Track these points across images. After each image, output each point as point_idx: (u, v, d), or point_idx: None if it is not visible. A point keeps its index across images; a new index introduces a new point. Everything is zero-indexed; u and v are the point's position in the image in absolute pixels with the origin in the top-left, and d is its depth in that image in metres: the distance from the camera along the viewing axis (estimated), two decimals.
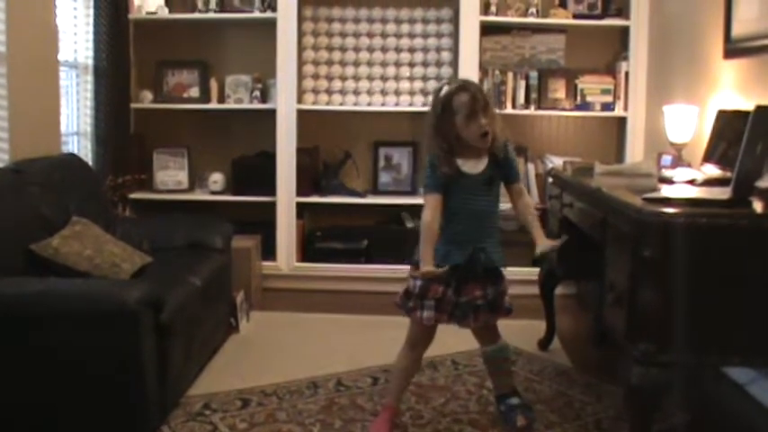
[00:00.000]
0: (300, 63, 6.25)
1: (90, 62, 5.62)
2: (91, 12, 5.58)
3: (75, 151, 5.54)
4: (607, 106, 6.22)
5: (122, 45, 5.94)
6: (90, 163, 5.44)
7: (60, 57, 5.17)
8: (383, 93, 6.27)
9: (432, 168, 3.52)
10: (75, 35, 5.60)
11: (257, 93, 6.33)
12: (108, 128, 5.72)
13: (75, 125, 5.68)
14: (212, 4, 6.25)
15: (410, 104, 6.23)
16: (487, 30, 6.25)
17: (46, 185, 4.26)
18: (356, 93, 6.30)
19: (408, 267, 3.65)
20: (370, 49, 6.30)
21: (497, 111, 3.61)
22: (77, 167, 4.84)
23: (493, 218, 3.60)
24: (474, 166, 3.50)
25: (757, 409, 3.86)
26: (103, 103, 5.69)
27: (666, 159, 4.63)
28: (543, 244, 3.58)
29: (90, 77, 5.64)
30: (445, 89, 3.51)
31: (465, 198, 3.50)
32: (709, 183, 3.72)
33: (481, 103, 3.42)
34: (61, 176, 4.48)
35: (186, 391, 4.05)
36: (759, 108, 3.08)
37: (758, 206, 3.01)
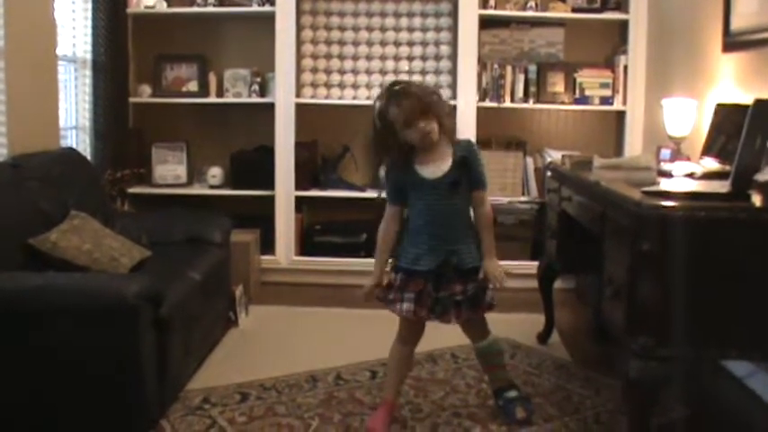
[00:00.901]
0: (299, 57, 6.25)
1: (88, 56, 5.61)
2: (89, 6, 5.57)
3: (74, 146, 5.53)
4: (606, 100, 6.22)
5: (121, 39, 5.94)
6: (88, 157, 5.43)
7: (58, 51, 5.16)
8: (382, 86, 6.23)
9: (387, 180, 3.60)
10: (74, 29, 5.58)
11: (256, 87, 6.32)
12: (106, 122, 5.72)
13: (74, 119, 5.67)
14: None
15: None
16: (486, 23, 6.25)
17: (44, 180, 4.26)
18: (355, 86, 6.30)
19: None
20: (369, 43, 6.29)
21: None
22: (76, 162, 4.83)
23: (462, 219, 3.58)
24: (434, 171, 3.51)
25: (756, 403, 3.86)
26: (102, 98, 5.69)
27: (665, 153, 4.62)
28: (490, 266, 3.55)
29: (88, 72, 5.63)
30: (377, 105, 3.53)
31: (429, 203, 3.51)
32: (707, 176, 3.71)
33: (416, 109, 3.41)
34: (60, 171, 4.48)
35: (185, 386, 4.06)
36: (758, 101, 3.07)
37: (757, 199, 3.00)
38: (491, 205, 3.65)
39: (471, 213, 3.61)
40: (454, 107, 5.63)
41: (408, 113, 3.41)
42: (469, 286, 3.55)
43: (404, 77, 6.21)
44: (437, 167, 3.50)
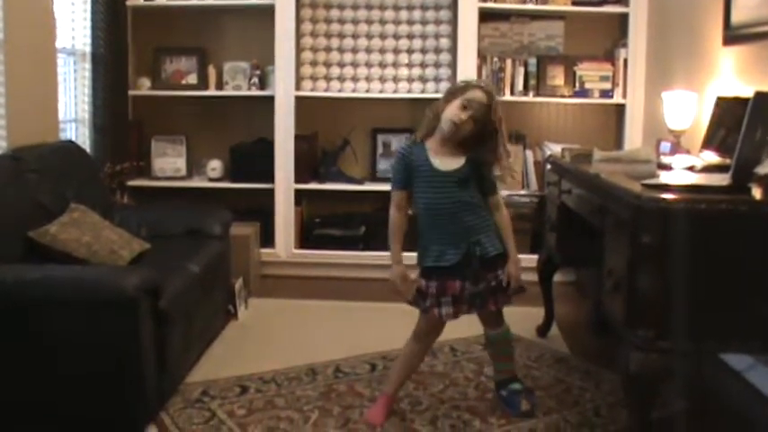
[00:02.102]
0: (299, 50, 6.24)
1: (88, 49, 5.60)
2: None
3: (73, 138, 5.52)
4: (606, 93, 6.21)
5: (120, 32, 5.93)
6: (88, 150, 5.42)
7: (58, 44, 5.15)
8: (381, 79, 6.26)
9: (398, 161, 3.60)
10: (73, 22, 5.57)
11: (255, 79, 6.31)
12: (106, 115, 5.71)
13: (73, 112, 5.66)
14: None
15: (408, 91, 6.22)
16: (486, 16, 6.24)
17: (44, 173, 4.25)
18: (354, 79, 6.29)
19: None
20: (369, 36, 6.29)
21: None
22: (75, 154, 4.83)
23: (478, 210, 3.59)
24: (446, 163, 3.53)
25: (755, 396, 3.86)
26: (101, 91, 5.68)
27: (665, 146, 4.62)
28: (511, 268, 3.64)
29: (88, 64, 5.62)
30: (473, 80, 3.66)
31: (435, 196, 3.53)
32: (708, 169, 3.71)
33: (478, 107, 3.46)
34: (59, 163, 4.48)
35: (185, 378, 4.06)
36: (758, 94, 3.07)
37: (757, 192, 3.00)
38: (506, 209, 3.71)
39: (485, 208, 3.63)
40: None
41: (476, 102, 3.47)
42: (499, 271, 3.60)
43: (403, 71, 6.21)
44: (450, 162, 3.53)
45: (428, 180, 3.53)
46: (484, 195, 3.59)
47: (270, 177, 6.18)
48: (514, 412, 3.73)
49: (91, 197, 4.56)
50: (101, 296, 3.41)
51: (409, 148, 3.59)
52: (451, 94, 3.55)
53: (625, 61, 6.12)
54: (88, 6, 5.56)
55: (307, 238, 6.36)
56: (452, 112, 3.47)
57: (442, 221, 3.54)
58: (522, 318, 4.84)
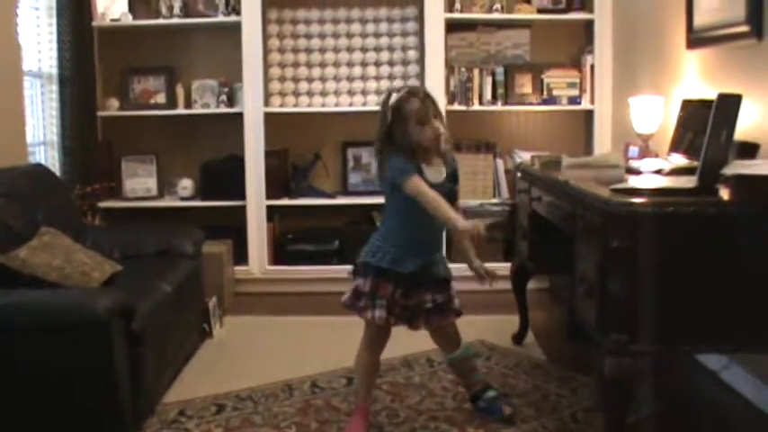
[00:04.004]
0: (266, 66, 6.24)
1: (54, 71, 5.58)
2: (54, 20, 5.54)
3: (42, 161, 5.50)
4: (573, 100, 6.25)
5: (87, 53, 5.91)
6: (57, 173, 5.40)
7: (24, 66, 5.13)
8: (350, 93, 6.27)
9: (397, 157, 3.50)
10: (39, 44, 5.55)
11: (224, 97, 6.30)
12: (74, 137, 5.68)
13: (42, 135, 5.64)
14: (176, 10, 6.22)
15: (377, 104, 6.20)
16: (453, 27, 6.26)
17: (12, 196, 4.22)
18: (323, 94, 6.30)
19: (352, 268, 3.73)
20: (336, 50, 6.29)
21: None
22: (44, 177, 4.79)
23: (442, 228, 3.65)
24: (435, 176, 3.52)
25: (731, 396, 3.88)
26: (69, 112, 5.66)
27: (633, 150, 4.65)
28: (476, 267, 3.72)
29: (55, 86, 5.60)
30: (393, 96, 3.55)
31: (424, 214, 3.46)
32: (676, 172, 3.73)
33: (432, 108, 3.48)
34: (28, 187, 4.44)
35: (160, 399, 4.03)
36: (721, 96, 3.10)
37: (724, 194, 3.02)
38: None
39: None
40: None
41: (427, 111, 3.46)
42: (438, 295, 3.60)
43: (372, 83, 6.22)
44: (438, 173, 3.54)
45: (413, 202, 3.44)
46: (451, 201, 3.54)
47: (241, 194, 6.16)
48: (498, 417, 3.73)
49: (61, 220, 4.53)
50: (73, 319, 3.37)
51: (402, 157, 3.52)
52: (394, 122, 3.51)
53: (592, 67, 6.15)
54: (54, 28, 5.55)
55: (280, 254, 6.34)
56: (424, 134, 3.46)
57: (411, 234, 3.53)
58: (497, 326, 4.86)
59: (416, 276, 3.53)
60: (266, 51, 6.24)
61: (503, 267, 4.89)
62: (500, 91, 6.24)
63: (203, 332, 5.01)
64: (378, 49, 6.28)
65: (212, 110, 6.34)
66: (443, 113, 3.64)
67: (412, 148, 3.49)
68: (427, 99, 3.50)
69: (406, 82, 6.22)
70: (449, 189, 3.54)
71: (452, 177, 3.59)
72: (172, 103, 6.39)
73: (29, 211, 4.30)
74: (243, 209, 6.18)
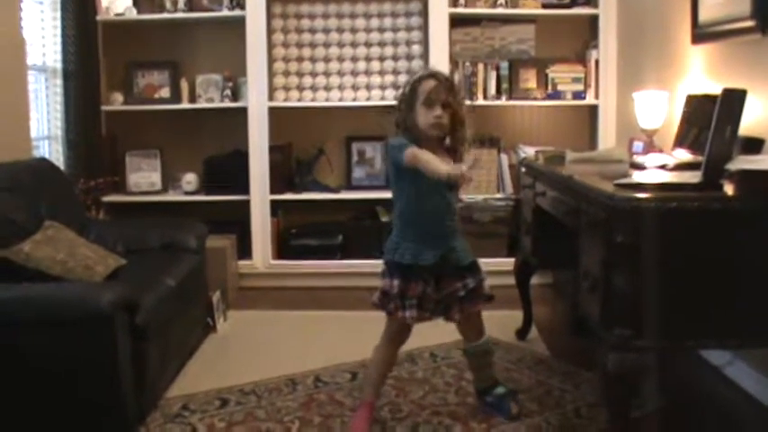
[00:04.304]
0: (271, 60, 6.24)
1: (59, 65, 5.59)
2: (58, 15, 5.55)
3: (47, 155, 5.51)
4: (578, 95, 6.23)
5: (91, 47, 5.92)
6: (62, 167, 5.41)
7: (28, 61, 5.13)
8: (354, 88, 6.27)
9: (401, 137, 3.48)
10: (43, 38, 5.56)
11: (228, 91, 6.31)
12: (79, 131, 5.70)
13: (46, 129, 5.65)
14: (181, 4, 6.21)
15: (381, 99, 6.22)
16: (457, 22, 6.25)
17: (16, 190, 4.22)
18: (327, 88, 6.29)
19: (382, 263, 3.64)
20: (341, 45, 6.29)
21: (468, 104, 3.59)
22: (48, 171, 4.79)
23: (455, 216, 3.61)
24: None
25: (735, 391, 3.88)
26: (73, 107, 5.67)
27: (638, 145, 4.64)
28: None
29: (59, 81, 5.61)
30: (419, 73, 3.54)
31: (432, 196, 3.47)
32: (680, 167, 3.72)
33: (443, 95, 3.41)
34: (32, 181, 4.44)
35: (164, 393, 4.04)
36: (726, 91, 3.08)
37: (728, 189, 3.01)
38: None
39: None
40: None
41: (438, 94, 3.41)
42: (468, 281, 3.57)
43: (376, 78, 6.22)
44: (444, 163, 3.42)
45: (420, 182, 3.41)
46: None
47: (245, 189, 6.17)
48: (505, 416, 3.72)
49: (65, 214, 4.53)
50: (76, 313, 3.37)
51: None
52: (406, 101, 3.48)
53: (596, 62, 6.14)
54: (58, 22, 5.55)
55: (284, 248, 6.35)
56: (425, 117, 3.41)
57: (424, 223, 3.50)
58: (501, 321, 4.85)
59: (440, 267, 3.52)
60: (270, 46, 6.24)
61: (506, 262, 4.90)
62: (504, 86, 6.24)
63: (207, 326, 5.01)
64: (382, 44, 6.27)
65: (216, 104, 6.34)
66: (464, 109, 3.52)
67: (417, 133, 3.45)
68: (446, 83, 3.45)
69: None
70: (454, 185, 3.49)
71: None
72: (176, 97, 6.39)
73: (33, 205, 4.30)
74: (247, 203, 6.18)
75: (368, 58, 6.28)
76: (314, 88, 6.30)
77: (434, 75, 3.49)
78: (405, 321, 3.54)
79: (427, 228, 3.52)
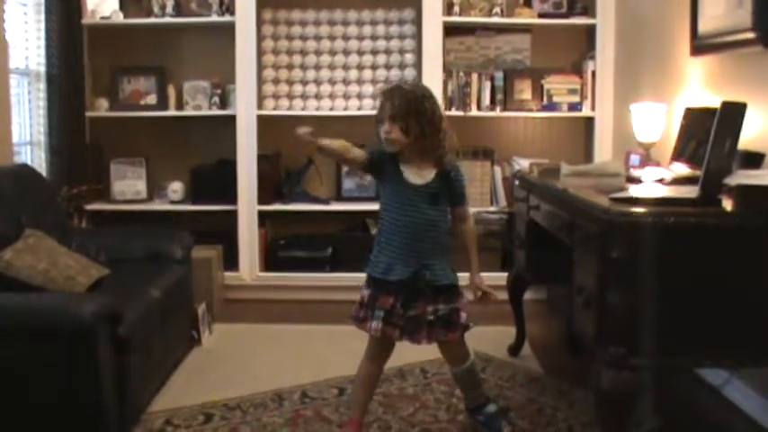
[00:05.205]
0: (260, 67, 6.24)
1: (42, 69, 5.58)
2: (42, 17, 5.54)
3: (28, 162, 5.49)
4: (574, 106, 6.25)
5: (76, 51, 5.91)
6: (44, 173, 5.39)
7: (11, 64, 5.13)
8: (345, 97, 6.27)
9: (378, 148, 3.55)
10: (27, 41, 5.56)
11: (216, 99, 6.31)
12: (62, 137, 5.68)
13: (28, 134, 5.64)
14: (169, 9, 6.21)
15: (373, 108, 6.18)
16: (451, 30, 6.27)
17: None
18: (318, 97, 6.30)
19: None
20: (332, 52, 6.29)
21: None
22: (30, 178, 4.78)
23: (438, 233, 3.53)
24: (416, 176, 3.49)
25: (732, 412, 3.88)
26: (57, 112, 5.65)
27: (635, 159, 4.65)
28: (478, 279, 3.66)
29: (42, 85, 5.60)
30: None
31: (406, 208, 3.47)
32: (677, 181, 3.73)
33: (389, 111, 3.41)
34: (13, 188, 4.42)
35: (147, 408, 4.02)
36: (725, 104, 3.10)
37: (727, 204, 3.02)
38: (474, 221, 3.67)
39: (446, 229, 3.58)
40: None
41: (381, 111, 3.46)
42: (441, 306, 3.50)
43: (368, 87, 6.22)
44: (420, 175, 3.48)
45: (398, 193, 3.48)
46: (453, 207, 3.56)
47: (233, 199, 6.16)
48: None
49: (47, 222, 4.52)
50: (57, 324, 3.36)
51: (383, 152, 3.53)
52: (376, 116, 3.53)
53: (593, 73, 6.16)
54: (42, 25, 5.55)
55: (271, 260, 6.34)
56: (379, 132, 3.47)
57: (400, 236, 3.49)
58: (493, 337, 4.85)
59: (410, 285, 3.47)
60: (260, 53, 6.24)
61: (499, 277, 4.90)
62: (499, 96, 6.25)
63: (192, 339, 5.00)
64: (374, 52, 6.28)
65: (204, 112, 6.34)
66: (428, 118, 3.46)
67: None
68: (392, 99, 3.44)
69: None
70: (434, 191, 3.48)
71: (443, 178, 3.51)
72: (163, 104, 6.38)
73: (13, 213, 4.28)
74: (234, 213, 6.18)
75: (360, 67, 6.28)
76: (304, 97, 6.30)
77: (385, 91, 3.52)
78: (370, 333, 3.52)
79: (403, 242, 3.49)
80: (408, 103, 3.42)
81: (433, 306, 3.50)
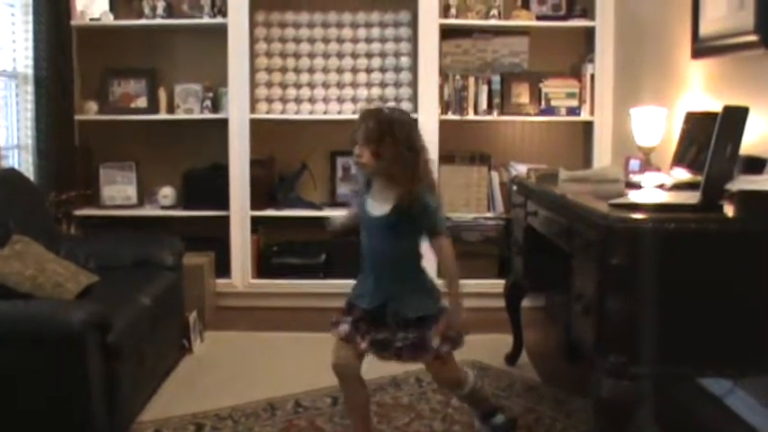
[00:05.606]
0: (253, 70, 6.24)
1: (30, 71, 5.57)
2: (30, 18, 5.53)
3: (16, 166, 5.48)
4: (573, 110, 6.25)
5: (64, 53, 5.88)
6: (32, 178, 5.38)
7: None
8: (340, 100, 6.27)
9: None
10: (14, 43, 5.55)
11: (208, 102, 6.30)
12: (50, 141, 5.66)
13: (15, 138, 5.63)
14: (160, 10, 6.21)
15: None
16: (447, 33, 6.27)
17: None
18: (312, 101, 6.29)
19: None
20: (326, 55, 6.29)
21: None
22: (18, 183, 4.78)
23: (405, 265, 3.46)
24: (376, 206, 3.44)
25: (735, 423, 3.87)
26: (45, 115, 5.63)
27: (634, 164, 4.65)
28: (451, 317, 3.44)
29: (30, 88, 5.59)
30: None
31: (371, 239, 3.47)
32: (678, 187, 3.73)
33: (361, 135, 3.36)
34: (0, 193, 4.42)
35: (136, 417, 4.02)
36: (727, 108, 3.10)
37: (728, 210, 3.02)
38: (452, 250, 3.44)
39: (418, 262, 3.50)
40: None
41: (355, 133, 3.40)
42: (410, 334, 3.39)
43: (362, 90, 6.22)
44: (381, 206, 3.41)
45: (363, 221, 3.48)
46: (429, 237, 3.44)
47: (224, 204, 6.16)
48: None
49: (35, 228, 4.51)
50: (45, 332, 3.37)
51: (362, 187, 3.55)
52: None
53: (592, 77, 6.16)
54: (30, 26, 5.53)
55: (264, 267, 6.34)
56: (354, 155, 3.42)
57: (369, 265, 3.47)
58: (490, 345, 4.85)
59: (377, 315, 3.42)
60: (253, 55, 6.24)
61: (496, 284, 4.90)
62: (496, 100, 6.25)
63: (183, 348, 4.99)
64: (369, 55, 6.28)
65: (196, 115, 6.34)
66: (404, 143, 3.36)
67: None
68: (366, 121, 3.39)
69: (399, 90, 6.23)
70: (392, 222, 3.37)
71: (403, 210, 3.35)
72: (153, 107, 6.38)
73: (0, 218, 4.28)
74: (226, 219, 6.17)
75: (354, 70, 6.28)
76: (298, 100, 6.30)
77: (363, 112, 3.49)
78: (338, 335, 3.49)
79: (370, 271, 3.47)
80: (382, 127, 3.36)
81: (403, 333, 3.40)
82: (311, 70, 6.30)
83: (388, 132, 3.35)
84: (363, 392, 3.62)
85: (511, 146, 6.52)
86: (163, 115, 6.37)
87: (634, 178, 4.06)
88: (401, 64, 6.28)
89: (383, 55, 6.28)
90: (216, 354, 5.10)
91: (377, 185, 3.45)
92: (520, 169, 5.69)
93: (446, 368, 3.56)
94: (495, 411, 3.78)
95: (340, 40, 6.29)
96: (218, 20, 6.13)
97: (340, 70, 6.29)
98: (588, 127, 6.30)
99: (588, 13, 6.21)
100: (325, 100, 6.28)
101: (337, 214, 3.65)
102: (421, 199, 3.35)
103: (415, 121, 3.51)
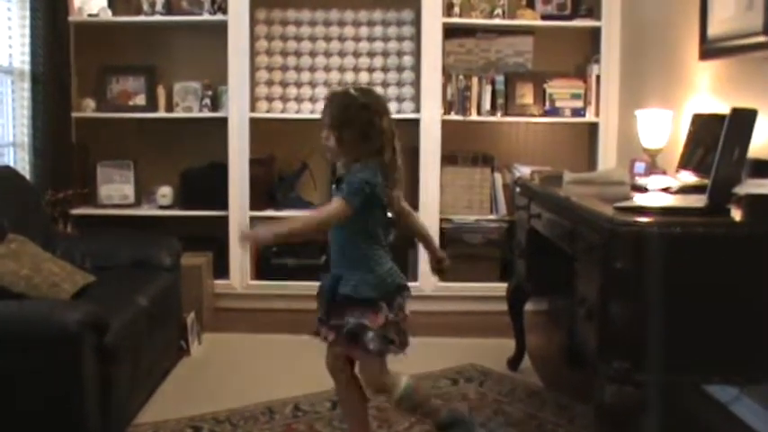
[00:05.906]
0: (253, 69, 6.23)
1: (26, 68, 5.57)
2: (27, 14, 5.53)
3: (11, 164, 5.48)
4: (577, 112, 6.25)
5: (62, 49, 5.90)
6: (27, 176, 5.38)
7: None
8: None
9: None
10: (11, 39, 5.55)
11: (207, 100, 6.30)
12: (47, 138, 5.67)
13: (11, 135, 5.63)
14: (159, 6, 6.20)
15: None
16: (451, 32, 6.26)
17: None
18: (312, 100, 6.29)
19: None
20: (327, 54, 6.29)
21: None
22: (13, 181, 4.78)
23: (350, 246, 3.42)
24: (335, 190, 3.46)
25: (741, 429, 3.87)
26: (42, 112, 5.64)
27: (640, 166, 4.64)
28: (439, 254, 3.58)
29: (27, 84, 5.59)
30: None
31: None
32: (684, 190, 3.73)
33: (326, 118, 3.35)
34: None
35: (132, 420, 4.01)
36: (735, 111, 3.09)
37: (735, 214, 3.02)
38: (334, 208, 3.36)
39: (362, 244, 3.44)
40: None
41: (322, 116, 3.40)
42: (350, 319, 3.34)
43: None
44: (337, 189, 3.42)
45: None
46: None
47: (223, 204, 6.16)
48: None
49: (31, 227, 4.51)
50: (40, 333, 3.36)
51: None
52: None
53: (597, 78, 6.15)
54: (27, 22, 5.53)
55: (263, 268, 6.34)
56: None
57: (331, 249, 3.50)
58: (491, 350, 4.85)
59: (329, 295, 3.42)
60: (253, 53, 6.24)
61: (499, 287, 4.89)
62: (500, 101, 6.24)
63: (180, 349, 4.99)
64: (371, 54, 6.27)
65: (195, 114, 6.34)
66: (366, 128, 3.33)
67: None
68: (331, 104, 3.38)
69: (401, 89, 6.22)
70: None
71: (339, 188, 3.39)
72: (152, 105, 6.38)
73: None
74: (225, 219, 6.17)
75: (356, 69, 6.28)
76: (298, 99, 6.30)
77: (329, 95, 3.50)
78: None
79: (331, 254, 3.50)
80: (345, 110, 3.34)
81: (349, 317, 3.34)
82: (312, 69, 6.29)
83: (351, 116, 3.32)
84: (357, 394, 3.60)
85: (514, 147, 6.52)
86: (161, 113, 6.37)
87: (639, 181, 4.06)
88: (404, 63, 6.27)
89: (385, 54, 6.27)
90: (214, 356, 5.09)
91: (341, 171, 3.47)
92: (523, 171, 5.68)
93: (369, 367, 3.48)
94: (453, 423, 3.57)
95: (342, 39, 6.28)
96: (219, 17, 6.13)
97: (342, 69, 6.28)
98: (593, 128, 6.30)
99: (594, 12, 6.21)
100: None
101: None
102: (353, 173, 3.34)
103: (383, 103, 3.45)
